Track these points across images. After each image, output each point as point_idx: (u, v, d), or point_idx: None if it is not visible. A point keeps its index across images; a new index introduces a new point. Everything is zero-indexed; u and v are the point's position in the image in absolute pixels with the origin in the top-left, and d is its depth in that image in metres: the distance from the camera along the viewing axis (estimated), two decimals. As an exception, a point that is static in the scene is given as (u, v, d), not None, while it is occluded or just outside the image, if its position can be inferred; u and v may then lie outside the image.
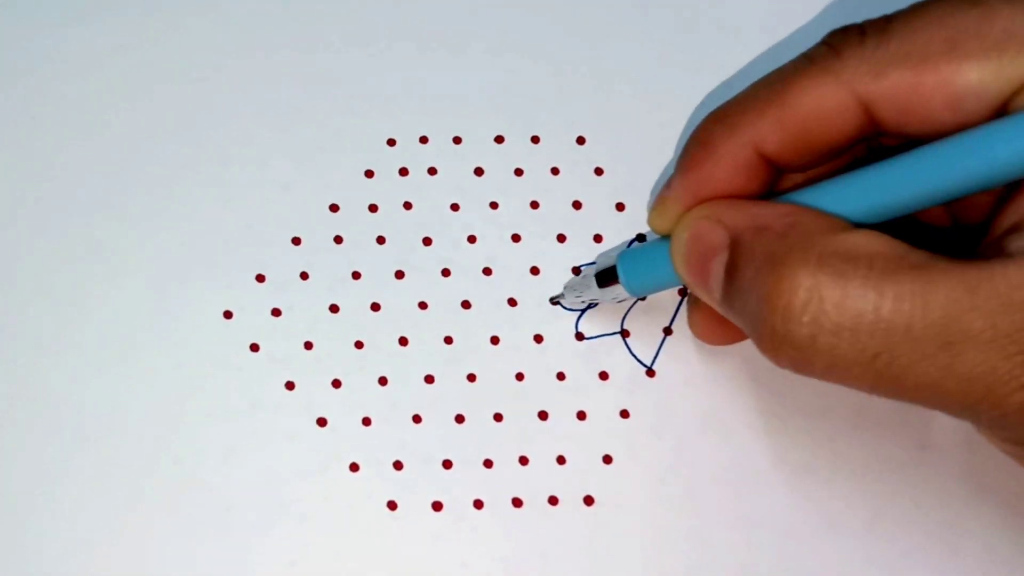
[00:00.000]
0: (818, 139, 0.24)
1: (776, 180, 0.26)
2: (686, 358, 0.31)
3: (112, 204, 0.31)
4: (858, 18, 0.24)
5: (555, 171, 0.32)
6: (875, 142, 0.25)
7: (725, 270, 0.23)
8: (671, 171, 0.27)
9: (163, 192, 0.32)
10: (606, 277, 0.28)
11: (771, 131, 0.24)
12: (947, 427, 0.30)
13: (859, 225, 0.23)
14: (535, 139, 0.33)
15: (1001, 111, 0.22)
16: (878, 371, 0.21)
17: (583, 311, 0.31)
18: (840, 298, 0.21)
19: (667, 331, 0.31)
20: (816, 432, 0.30)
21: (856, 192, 0.23)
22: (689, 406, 0.30)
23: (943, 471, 0.30)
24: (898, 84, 0.22)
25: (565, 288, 0.31)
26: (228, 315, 0.30)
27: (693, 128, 0.26)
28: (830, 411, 0.30)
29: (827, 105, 0.23)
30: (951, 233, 0.26)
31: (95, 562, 0.28)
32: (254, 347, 0.30)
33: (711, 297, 0.25)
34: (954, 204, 0.26)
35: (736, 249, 0.23)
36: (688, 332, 0.31)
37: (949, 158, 0.21)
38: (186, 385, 0.30)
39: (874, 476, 0.30)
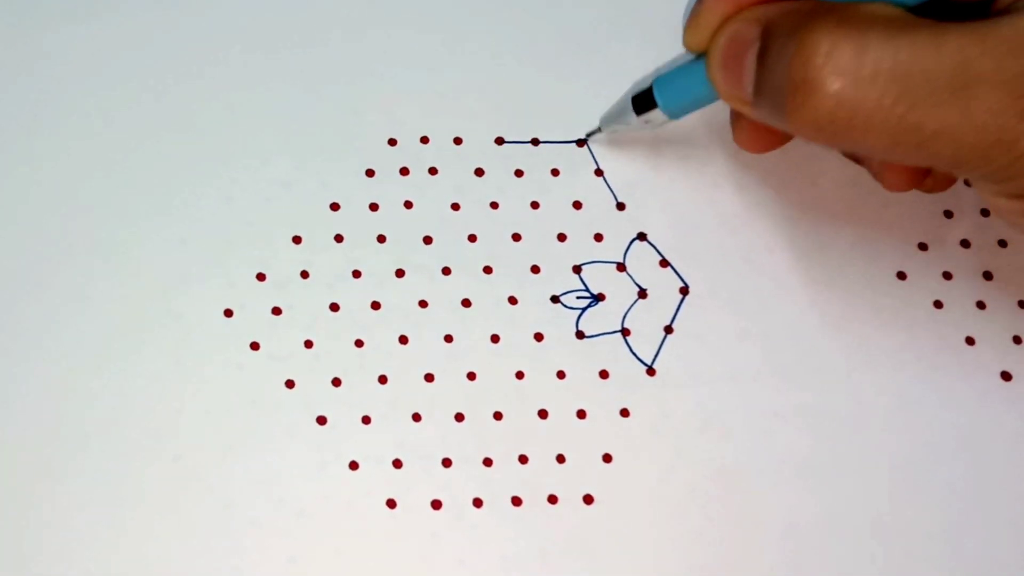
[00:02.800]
0: None
1: None
2: (687, 357, 0.31)
3: (113, 202, 0.31)
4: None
5: (555, 172, 0.33)
6: None
7: (757, 57, 0.25)
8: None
9: (164, 190, 0.32)
10: (642, 102, 0.29)
11: None
12: (950, 425, 0.30)
13: None
14: (535, 141, 0.33)
15: None
16: (899, 119, 0.22)
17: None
18: (859, 49, 0.22)
19: (668, 330, 0.31)
20: (817, 430, 0.30)
21: None
22: (689, 405, 0.30)
23: (943, 471, 0.30)
24: None
25: (601, 120, 0.31)
26: (228, 313, 0.31)
27: None
28: (831, 412, 0.30)
29: None
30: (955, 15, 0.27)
31: (95, 559, 0.28)
32: (254, 345, 0.30)
33: (743, 96, 0.25)
34: None
35: (767, 33, 0.24)
36: (689, 330, 0.31)
37: None
38: (186, 383, 0.30)
39: (874, 476, 0.30)
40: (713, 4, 0.26)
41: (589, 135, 0.32)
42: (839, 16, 0.23)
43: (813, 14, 0.23)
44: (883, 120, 0.22)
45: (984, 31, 0.22)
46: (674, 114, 0.29)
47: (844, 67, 0.22)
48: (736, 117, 0.29)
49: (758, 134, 0.29)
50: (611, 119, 0.31)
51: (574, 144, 0.33)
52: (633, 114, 0.30)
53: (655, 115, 0.29)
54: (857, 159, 0.31)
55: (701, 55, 0.27)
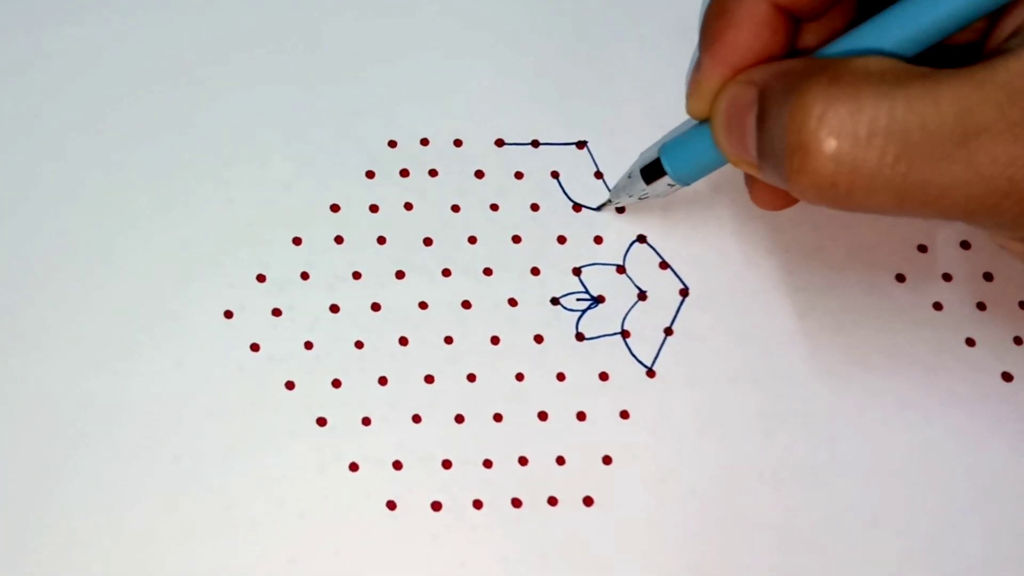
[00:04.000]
0: None
1: (797, 34, 0.26)
2: (686, 359, 0.31)
3: (113, 203, 0.31)
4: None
5: (555, 174, 0.33)
6: None
7: (756, 120, 0.24)
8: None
9: (164, 192, 0.32)
10: (651, 171, 0.29)
11: None
12: (951, 426, 0.30)
13: None
14: (535, 142, 0.33)
15: None
16: (902, 179, 0.21)
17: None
18: (854, 108, 0.21)
19: (668, 331, 0.31)
20: (816, 432, 0.30)
21: (871, 33, 0.24)
22: (689, 407, 0.30)
23: (944, 471, 0.30)
24: None
25: (612, 191, 0.31)
26: (229, 315, 0.31)
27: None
28: (831, 413, 0.30)
29: None
30: (941, 58, 0.27)
31: (95, 560, 0.28)
32: (254, 347, 0.30)
33: (750, 159, 0.25)
34: None
35: (764, 96, 0.24)
36: (689, 332, 0.31)
37: None
38: (186, 384, 0.30)
39: (874, 476, 0.30)
40: (711, 70, 0.26)
41: (600, 207, 0.32)
42: (831, 75, 0.22)
43: (805, 74, 0.23)
44: (886, 180, 0.22)
45: (981, 77, 0.21)
46: (684, 181, 0.29)
47: (839, 129, 0.22)
48: (750, 176, 0.29)
49: (774, 194, 0.28)
50: (621, 191, 0.31)
51: (574, 146, 0.33)
52: (643, 184, 0.29)
53: (664, 183, 0.29)
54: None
55: (705, 121, 0.27)
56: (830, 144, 0.22)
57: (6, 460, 0.29)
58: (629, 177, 0.30)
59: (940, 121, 0.21)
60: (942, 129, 0.21)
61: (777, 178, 0.24)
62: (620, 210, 0.32)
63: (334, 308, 0.31)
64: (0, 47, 0.33)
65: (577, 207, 0.32)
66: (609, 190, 0.32)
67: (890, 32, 0.23)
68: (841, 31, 0.25)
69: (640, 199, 0.31)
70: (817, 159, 0.22)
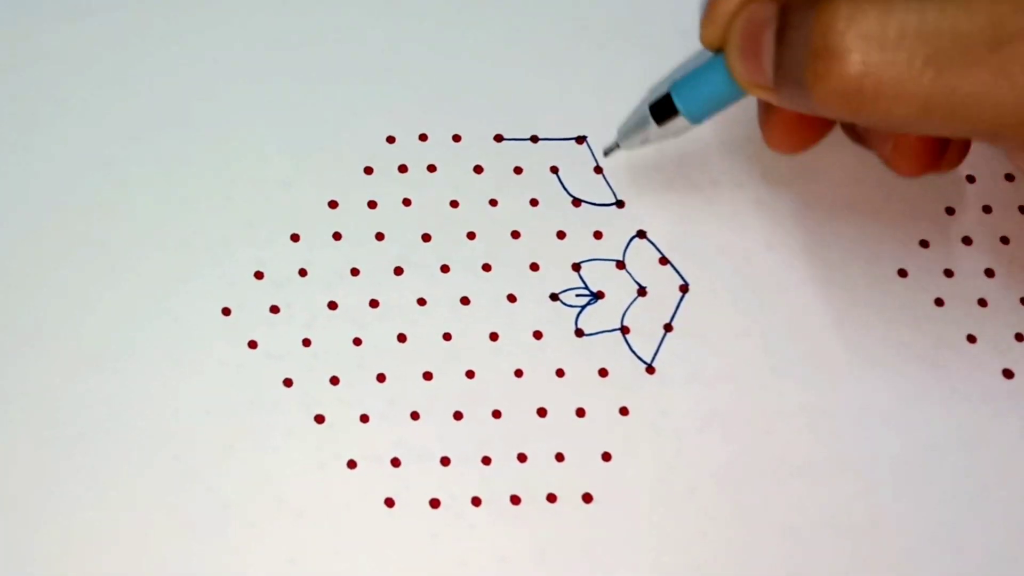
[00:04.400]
0: None
1: None
2: (686, 355, 0.31)
3: (110, 201, 0.31)
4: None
5: (554, 169, 0.32)
6: None
7: (776, 36, 0.23)
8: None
9: (162, 189, 0.32)
10: (661, 110, 0.28)
11: None
12: (952, 423, 0.30)
13: None
14: (534, 138, 0.33)
15: None
16: (930, 82, 0.21)
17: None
18: (883, 11, 0.21)
19: (667, 327, 0.31)
20: (818, 429, 0.30)
21: None
22: (689, 403, 0.30)
23: (944, 470, 0.30)
24: None
25: (619, 132, 0.31)
26: (226, 312, 0.30)
27: None
28: (831, 410, 0.30)
29: None
30: None
31: (93, 559, 0.28)
32: (252, 344, 0.30)
33: (765, 81, 0.24)
34: None
35: (785, 9, 0.23)
36: (688, 328, 0.31)
37: None
38: (184, 382, 0.30)
39: (874, 476, 0.29)
40: None
41: (607, 152, 0.32)
42: None
43: None
44: (913, 85, 0.21)
45: None
46: (696, 118, 0.28)
47: (868, 31, 0.21)
48: (765, 116, 0.29)
49: (789, 130, 0.28)
50: (629, 132, 0.30)
51: (573, 141, 0.33)
52: (653, 124, 0.29)
53: (677, 123, 0.28)
54: (868, 143, 0.29)
55: (719, 53, 0.26)
56: (858, 45, 0.21)
57: (4, 458, 0.29)
58: (640, 117, 0.29)
59: (972, 26, 0.20)
60: (974, 34, 0.20)
61: (797, 93, 0.23)
62: (575, 203, 0.32)
63: (332, 305, 0.31)
64: (2, 48, 0.33)
65: (577, 202, 0.32)
66: (619, 132, 0.31)
67: None
68: None
69: (649, 140, 0.30)
70: (844, 61, 0.21)
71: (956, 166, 0.28)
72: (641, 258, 0.32)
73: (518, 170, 0.32)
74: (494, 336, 0.31)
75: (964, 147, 0.28)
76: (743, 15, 0.25)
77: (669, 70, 0.33)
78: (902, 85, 0.21)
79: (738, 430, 0.30)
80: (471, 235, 0.32)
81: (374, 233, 0.31)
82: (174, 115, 0.32)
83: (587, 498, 0.29)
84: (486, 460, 0.29)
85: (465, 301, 0.31)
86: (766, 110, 0.28)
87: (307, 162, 0.32)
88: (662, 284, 0.31)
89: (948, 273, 0.32)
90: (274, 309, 0.31)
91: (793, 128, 0.28)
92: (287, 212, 0.31)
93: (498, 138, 0.33)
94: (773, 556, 0.29)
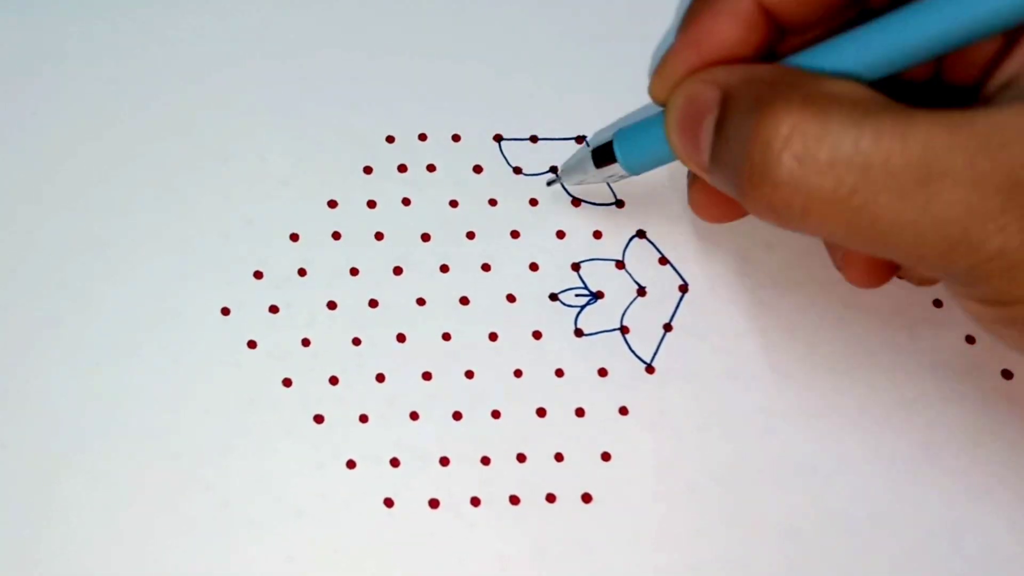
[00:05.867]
0: None
1: (778, 41, 0.26)
2: (686, 355, 0.31)
3: (111, 201, 0.31)
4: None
5: (554, 169, 0.32)
6: (867, 3, 0.26)
7: (715, 126, 0.23)
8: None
9: (162, 188, 0.31)
10: (602, 155, 0.28)
11: None
12: (951, 423, 0.30)
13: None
14: (534, 138, 0.33)
15: None
16: (856, 210, 0.21)
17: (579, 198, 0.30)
18: (820, 132, 0.21)
19: (667, 327, 0.31)
20: (818, 429, 0.30)
21: (850, 49, 0.23)
22: (688, 403, 0.30)
23: (944, 470, 0.30)
24: None
25: (561, 170, 0.31)
26: (226, 311, 0.30)
27: None
28: (831, 410, 0.30)
29: None
30: (940, 96, 0.26)
31: (93, 558, 0.28)
32: (251, 344, 0.30)
33: (700, 162, 0.24)
34: (946, 64, 0.26)
35: (726, 102, 0.23)
36: (688, 328, 0.31)
37: (939, 8, 0.22)
38: (184, 381, 0.30)
39: (877, 473, 0.29)
40: (681, 53, 0.25)
41: (549, 183, 0.32)
42: (803, 94, 0.22)
43: (775, 88, 0.22)
44: (840, 209, 0.21)
45: (957, 122, 0.20)
46: (634, 170, 0.28)
47: (802, 152, 0.21)
48: (692, 180, 0.28)
49: (715, 204, 0.28)
50: (571, 170, 0.30)
51: (573, 141, 0.33)
52: (592, 166, 0.29)
53: (615, 169, 0.28)
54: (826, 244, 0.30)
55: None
56: (790, 167, 0.21)
57: (5, 457, 0.29)
58: (580, 157, 0.30)
59: (904, 159, 0.20)
60: (905, 167, 0.20)
61: (729, 187, 0.23)
62: (575, 203, 0.32)
63: (331, 305, 0.31)
64: (2, 48, 0.33)
65: (576, 202, 0.32)
66: (558, 169, 0.31)
67: (862, 48, 0.23)
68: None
69: (588, 179, 0.30)
70: (775, 180, 0.21)
71: (930, 285, 0.29)
72: (641, 258, 0.32)
73: (517, 170, 0.32)
74: (493, 336, 0.31)
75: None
76: (685, 91, 0.25)
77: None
78: (829, 207, 0.21)
79: (737, 430, 0.30)
80: (470, 235, 0.32)
81: (373, 233, 0.31)
82: (174, 115, 0.32)
83: (586, 498, 0.29)
84: (485, 460, 0.29)
85: (464, 301, 0.31)
86: (694, 177, 0.28)
87: (306, 162, 0.32)
88: (662, 284, 0.31)
89: (947, 273, 0.32)
90: (273, 309, 0.31)
91: (719, 201, 0.28)
92: (286, 212, 0.31)
93: (497, 138, 0.33)
94: (772, 556, 0.29)
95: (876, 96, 0.22)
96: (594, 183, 0.31)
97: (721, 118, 0.23)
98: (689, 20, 0.26)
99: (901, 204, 0.21)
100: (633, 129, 0.28)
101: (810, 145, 0.21)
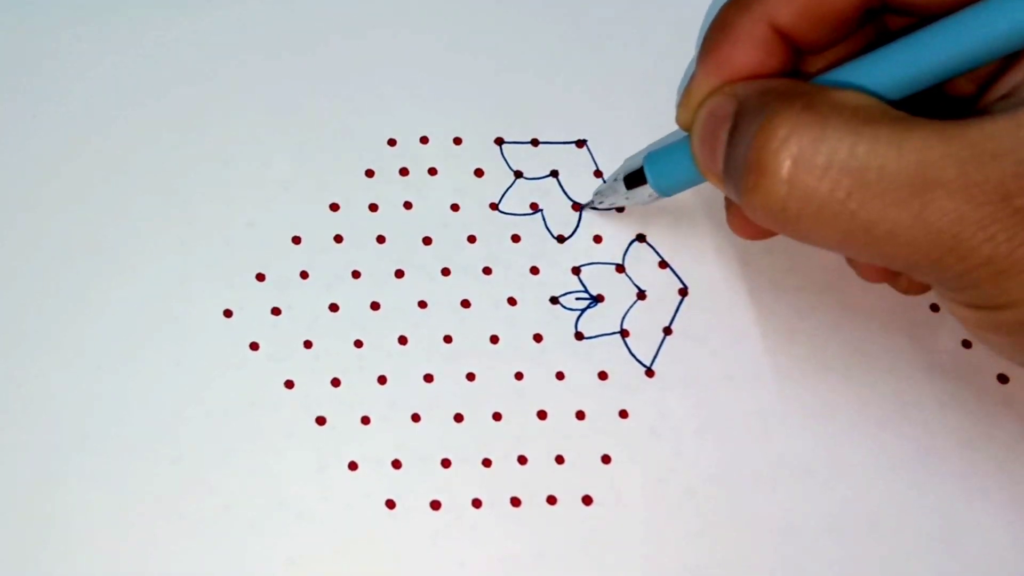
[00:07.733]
0: (827, 9, 0.25)
1: (797, 62, 0.26)
2: (685, 358, 0.31)
3: (113, 203, 0.31)
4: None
5: (555, 173, 0.33)
6: (882, 26, 0.26)
7: (728, 134, 0.24)
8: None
9: (164, 191, 0.32)
10: (634, 179, 0.29)
11: (782, 3, 0.25)
12: (948, 427, 0.30)
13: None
14: (535, 141, 0.33)
15: None
16: (850, 215, 0.21)
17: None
18: (818, 136, 0.21)
19: (667, 331, 0.31)
20: (816, 432, 0.30)
21: (871, 70, 0.23)
22: (688, 406, 0.30)
23: (943, 471, 0.30)
24: None
25: (594, 194, 0.31)
26: (228, 314, 0.31)
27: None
28: (830, 413, 0.30)
29: None
30: (942, 106, 0.26)
31: (95, 560, 0.28)
32: (254, 346, 0.30)
33: (716, 171, 0.25)
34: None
35: (739, 112, 0.24)
36: (688, 332, 0.31)
37: (954, 32, 0.22)
38: (186, 384, 0.30)
39: (874, 476, 0.30)
40: (702, 80, 0.26)
41: (584, 207, 0.32)
42: (805, 101, 0.22)
43: (782, 96, 0.23)
44: (834, 214, 0.22)
45: (951, 133, 0.21)
46: (664, 192, 0.29)
47: (798, 155, 0.21)
48: (728, 201, 0.29)
49: (746, 219, 0.28)
50: (605, 194, 0.31)
51: (574, 145, 0.33)
52: (624, 188, 0.30)
53: (646, 191, 0.29)
54: None
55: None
56: (786, 167, 0.22)
57: (7, 461, 0.29)
58: (614, 181, 0.30)
59: (899, 167, 0.21)
60: (899, 175, 0.21)
61: (734, 193, 0.24)
62: (620, 209, 0.32)
63: (333, 307, 0.31)
64: (2, 48, 0.33)
65: (576, 206, 0.32)
66: (595, 192, 0.32)
67: (881, 70, 0.23)
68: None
69: (621, 202, 0.31)
70: (772, 180, 0.22)
71: (918, 294, 0.29)
72: (641, 262, 0.32)
73: (518, 173, 0.32)
74: (494, 339, 0.31)
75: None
76: (707, 107, 0.25)
77: (668, 70, 0.33)
78: (823, 211, 0.22)
79: (737, 433, 0.30)
80: (472, 238, 0.32)
81: (375, 236, 0.32)
82: (175, 118, 0.32)
83: (587, 500, 0.29)
84: (486, 462, 0.29)
85: (466, 304, 0.31)
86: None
87: (308, 165, 0.32)
88: (662, 287, 0.31)
89: (944, 278, 0.32)
90: (275, 311, 0.31)
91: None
92: (288, 214, 0.32)
93: (499, 141, 0.33)
94: (771, 558, 0.29)
95: (877, 104, 0.22)
96: (627, 205, 0.31)
97: (733, 126, 0.24)
98: (708, 47, 0.26)
99: (895, 211, 0.21)
100: (662, 152, 0.28)
101: (806, 148, 0.21)
